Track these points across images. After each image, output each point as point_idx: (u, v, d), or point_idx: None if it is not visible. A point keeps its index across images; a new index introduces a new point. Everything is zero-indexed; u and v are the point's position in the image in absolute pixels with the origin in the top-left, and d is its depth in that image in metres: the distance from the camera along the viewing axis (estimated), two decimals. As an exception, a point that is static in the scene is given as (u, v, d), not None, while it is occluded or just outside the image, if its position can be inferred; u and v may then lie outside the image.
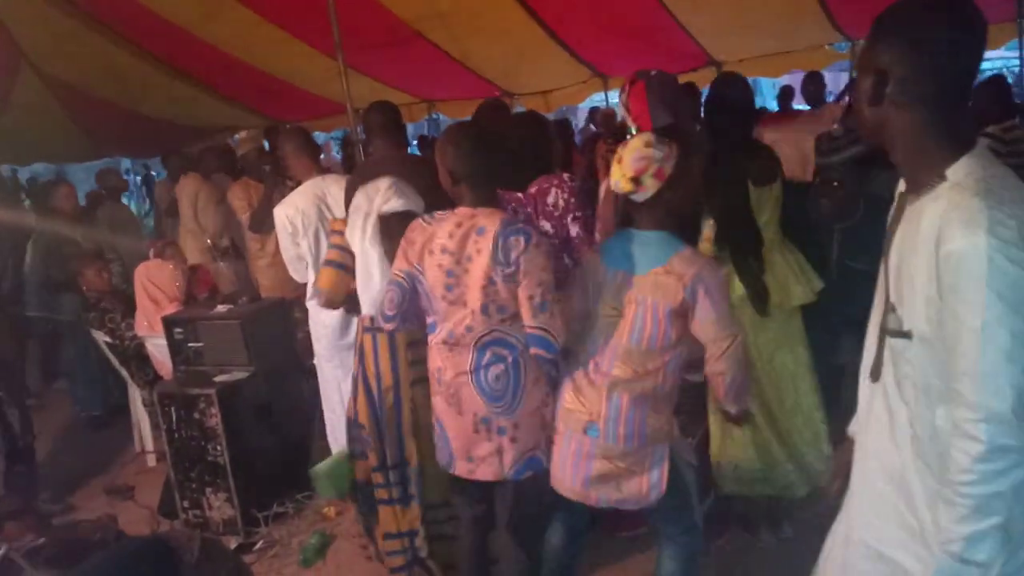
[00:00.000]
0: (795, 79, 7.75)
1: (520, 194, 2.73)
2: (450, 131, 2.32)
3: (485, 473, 2.18)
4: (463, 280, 2.10)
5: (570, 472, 2.07)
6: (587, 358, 2.08)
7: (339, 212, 3.24)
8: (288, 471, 3.57)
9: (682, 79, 6.49)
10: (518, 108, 7.06)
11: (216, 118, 7.93)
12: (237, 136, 5.22)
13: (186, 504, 3.44)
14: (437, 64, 6.72)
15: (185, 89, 6.94)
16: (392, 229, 2.54)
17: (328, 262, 2.59)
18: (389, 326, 2.24)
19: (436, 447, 2.30)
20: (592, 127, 7.90)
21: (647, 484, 2.03)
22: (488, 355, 2.12)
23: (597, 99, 8.32)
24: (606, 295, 2.05)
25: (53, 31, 5.35)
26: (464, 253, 2.10)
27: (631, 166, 1.98)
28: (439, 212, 2.21)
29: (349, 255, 2.65)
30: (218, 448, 3.32)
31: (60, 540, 1.94)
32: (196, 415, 3.33)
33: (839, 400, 3.66)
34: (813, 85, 5.82)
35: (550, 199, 2.60)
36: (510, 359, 2.13)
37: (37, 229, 4.83)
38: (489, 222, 2.09)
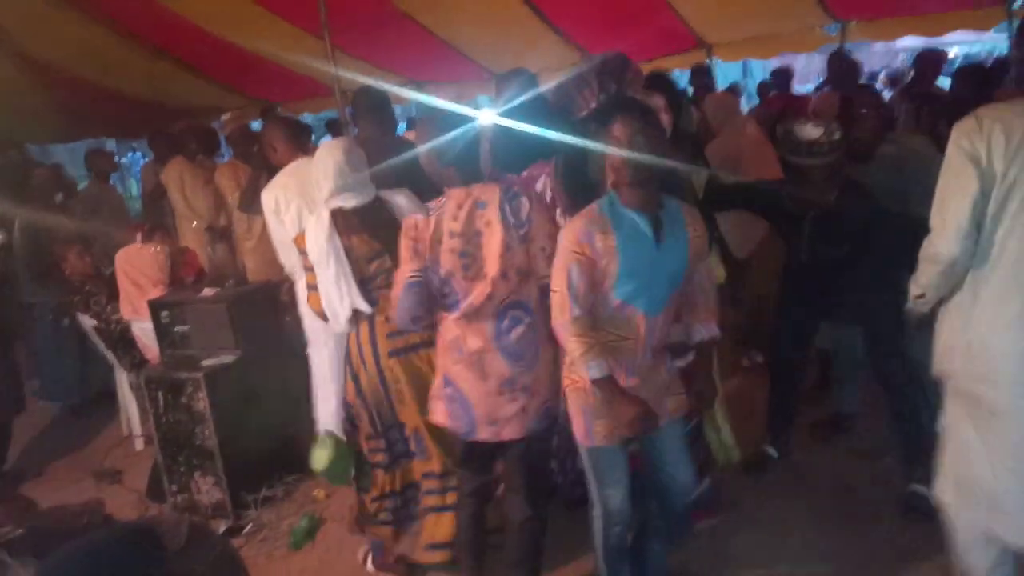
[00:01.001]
0: (783, 60, 7.76)
1: (513, 176, 2.73)
2: (443, 120, 2.34)
3: (510, 432, 2.27)
4: (478, 255, 2.18)
5: None
6: None
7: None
8: (277, 454, 3.57)
9: (672, 61, 6.53)
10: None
11: (201, 98, 7.80)
12: (222, 118, 5.12)
13: (174, 488, 3.43)
14: (426, 46, 6.65)
15: (168, 69, 6.83)
16: (353, 224, 2.54)
17: (310, 286, 2.61)
18: (418, 326, 2.34)
19: (450, 418, 2.32)
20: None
21: None
22: (507, 320, 2.21)
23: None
24: None
25: (30, 9, 5.24)
26: (473, 230, 2.17)
27: None
28: (432, 202, 2.24)
29: None
30: (206, 432, 3.31)
31: (46, 526, 1.92)
32: (184, 399, 3.31)
33: (827, 384, 3.71)
34: (845, 63, 5.12)
35: (538, 185, 2.60)
36: (527, 320, 2.23)
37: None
38: (488, 195, 2.18)
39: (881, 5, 5.82)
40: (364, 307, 2.53)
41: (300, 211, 3.27)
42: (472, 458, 2.42)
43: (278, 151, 3.43)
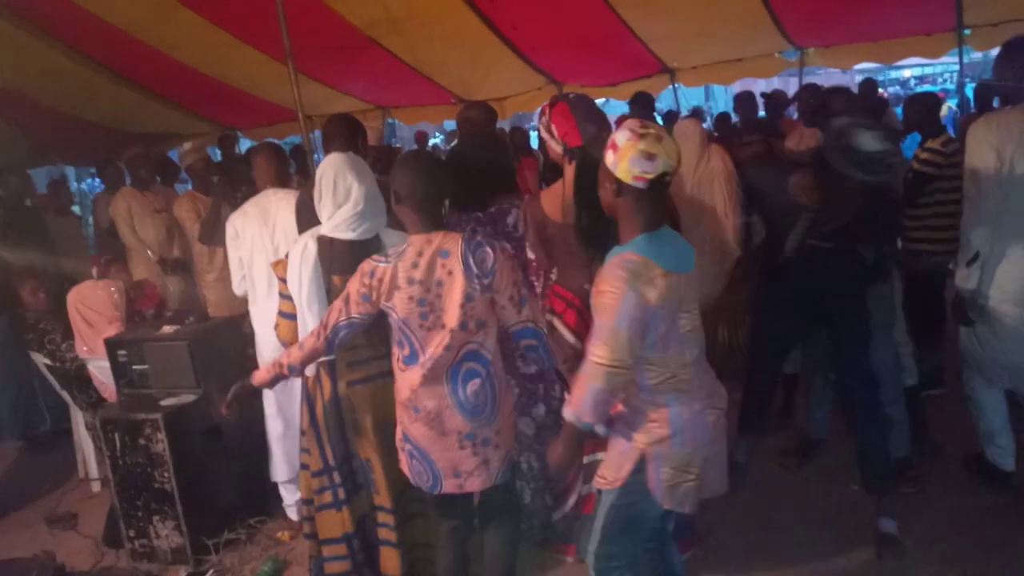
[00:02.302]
0: (745, 85, 7.90)
1: (480, 214, 2.71)
2: (403, 156, 2.37)
3: (474, 484, 2.25)
4: (437, 305, 2.13)
5: (721, 478, 2.10)
6: (695, 377, 1.97)
7: (280, 227, 3.20)
8: (240, 495, 3.47)
9: (636, 86, 6.61)
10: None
11: (164, 124, 7.69)
12: (183, 147, 5.00)
13: (132, 533, 3.30)
14: (391, 70, 6.65)
15: (130, 94, 6.73)
16: (341, 259, 2.47)
17: (282, 314, 2.55)
18: (326, 351, 2.27)
19: (413, 474, 2.31)
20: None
21: None
22: (463, 371, 2.17)
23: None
24: (686, 304, 1.94)
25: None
26: (433, 279, 2.12)
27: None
28: (391, 248, 2.20)
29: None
30: (165, 475, 3.20)
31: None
32: (141, 441, 3.20)
33: (791, 410, 3.72)
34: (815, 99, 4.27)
35: (510, 219, 2.59)
36: (484, 372, 2.19)
37: None
38: (451, 243, 2.14)
39: (838, 32, 5.99)
40: (328, 356, 2.48)
41: (254, 242, 3.24)
42: (441, 506, 2.38)
43: (258, 179, 3.43)
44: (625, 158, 1.84)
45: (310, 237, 2.48)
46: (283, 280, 2.51)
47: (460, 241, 2.13)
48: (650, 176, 1.83)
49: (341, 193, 2.44)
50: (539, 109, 2.75)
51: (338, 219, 2.44)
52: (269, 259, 3.17)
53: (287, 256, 2.51)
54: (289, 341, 2.52)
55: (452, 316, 2.12)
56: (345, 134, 3.07)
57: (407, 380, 2.21)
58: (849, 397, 2.95)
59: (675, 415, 1.94)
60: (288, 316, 2.53)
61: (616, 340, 1.82)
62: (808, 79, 6.98)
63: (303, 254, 2.45)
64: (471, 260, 2.10)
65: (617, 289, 1.81)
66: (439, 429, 2.19)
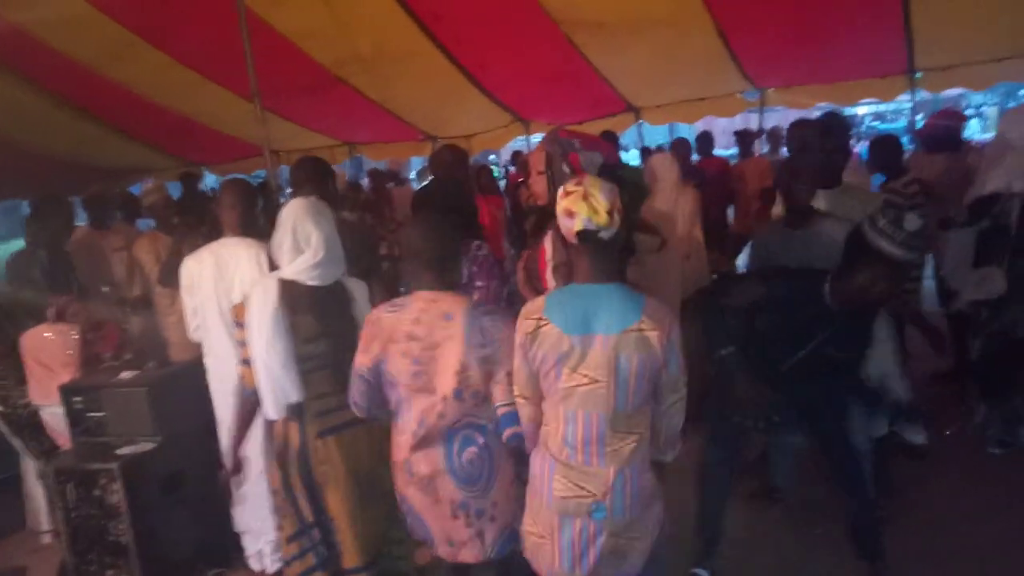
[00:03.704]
0: (707, 123, 8.05)
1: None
2: (417, 212, 2.41)
3: (467, 556, 2.19)
4: (430, 367, 2.08)
5: (576, 561, 1.92)
6: (569, 437, 1.90)
7: (239, 284, 3.09)
8: (200, 546, 3.34)
9: (601, 124, 6.71)
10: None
11: (127, 159, 7.60)
12: (144, 185, 4.90)
13: (84, 589, 3.17)
14: (359, 108, 6.67)
15: (92, 129, 6.63)
16: (302, 302, 2.44)
17: (244, 361, 2.48)
18: (361, 413, 2.27)
19: (413, 531, 2.28)
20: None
21: (650, 546, 1.97)
22: (458, 441, 2.12)
23: (519, 142, 8.41)
24: (573, 364, 1.86)
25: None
26: (432, 339, 2.08)
27: (606, 199, 1.84)
28: (397, 299, 2.18)
29: None
30: (121, 527, 3.08)
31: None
32: (96, 491, 3.08)
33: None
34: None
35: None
36: (481, 440, 2.13)
37: None
38: (455, 307, 2.09)
39: (796, 74, 6.17)
40: (296, 397, 2.41)
41: (209, 291, 3.14)
42: (442, 565, 2.31)
43: (223, 221, 3.26)
44: (557, 214, 1.90)
45: (271, 279, 2.45)
46: (241, 325, 2.46)
47: (464, 305, 2.09)
48: (572, 231, 1.87)
49: (301, 240, 2.42)
50: (547, 136, 2.68)
51: (298, 266, 2.43)
52: (225, 316, 3.08)
53: (244, 301, 2.46)
54: (253, 388, 2.45)
55: (446, 382, 2.06)
56: (314, 178, 3.03)
57: (400, 443, 2.17)
58: (834, 467, 2.84)
59: (534, 461, 2.02)
60: (248, 363, 2.45)
61: (515, 372, 2.00)
62: (768, 117, 7.21)
63: (264, 296, 2.40)
64: (474, 327, 2.05)
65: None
66: (433, 496, 2.15)
